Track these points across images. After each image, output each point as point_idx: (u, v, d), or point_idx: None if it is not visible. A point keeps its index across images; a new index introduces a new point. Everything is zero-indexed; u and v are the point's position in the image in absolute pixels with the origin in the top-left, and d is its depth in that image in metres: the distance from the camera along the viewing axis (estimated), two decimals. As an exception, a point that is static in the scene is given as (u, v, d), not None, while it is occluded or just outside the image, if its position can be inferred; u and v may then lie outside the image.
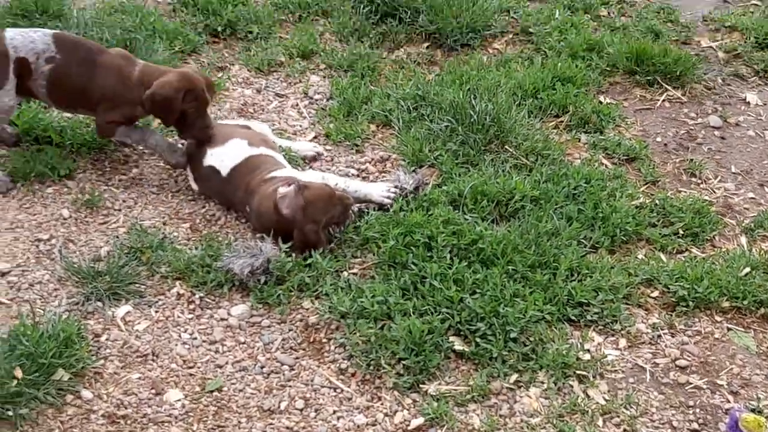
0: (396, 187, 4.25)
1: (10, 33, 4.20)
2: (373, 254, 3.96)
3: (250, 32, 5.78)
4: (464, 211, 4.19)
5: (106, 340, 3.55)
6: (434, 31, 5.88)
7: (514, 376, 3.48)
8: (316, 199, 3.92)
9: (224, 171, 4.19)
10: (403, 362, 3.47)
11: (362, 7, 5.98)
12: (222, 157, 4.21)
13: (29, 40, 4.17)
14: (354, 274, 3.90)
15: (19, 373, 3.20)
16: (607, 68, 5.62)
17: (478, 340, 3.55)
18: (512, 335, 3.56)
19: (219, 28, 5.77)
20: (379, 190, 4.24)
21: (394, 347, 3.48)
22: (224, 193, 4.23)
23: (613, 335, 3.74)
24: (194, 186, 4.35)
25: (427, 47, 5.84)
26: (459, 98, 4.87)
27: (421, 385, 3.43)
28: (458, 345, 3.56)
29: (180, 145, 4.42)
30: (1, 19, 5.50)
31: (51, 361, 3.27)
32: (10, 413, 3.15)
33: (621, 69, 5.62)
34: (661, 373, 3.60)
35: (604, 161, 4.80)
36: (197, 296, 3.79)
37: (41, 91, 4.24)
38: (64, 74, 4.19)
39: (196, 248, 3.98)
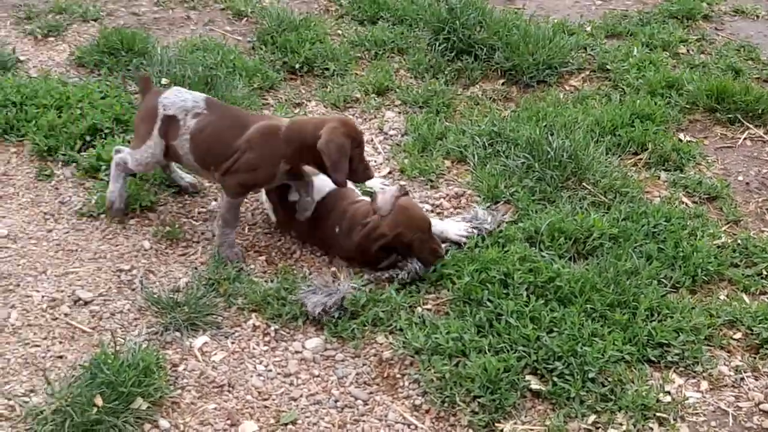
0: (474, 227, 4.23)
1: (165, 93, 4.25)
2: (448, 290, 3.94)
3: (327, 69, 5.86)
4: (541, 249, 4.15)
5: (184, 370, 3.59)
6: (510, 67, 5.88)
7: (592, 417, 3.41)
8: (408, 210, 3.96)
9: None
10: (479, 400, 3.42)
11: (438, 44, 6.02)
12: None
13: (181, 98, 4.21)
14: (428, 309, 3.88)
15: (99, 401, 3.24)
16: (687, 106, 5.54)
17: (555, 379, 3.49)
18: (590, 375, 3.49)
19: (297, 66, 5.87)
20: (456, 229, 4.23)
21: (469, 385, 3.44)
22: (310, 226, 4.25)
23: (694, 377, 3.64)
24: (272, 217, 4.39)
25: (503, 84, 5.84)
26: (535, 135, 4.85)
27: (496, 424, 3.37)
28: (535, 384, 3.50)
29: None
30: (89, 56, 5.71)
31: (130, 390, 3.30)
32: (90, 441, 3.21)
33: (701, 107, 5.54)
34: (744, 417, 3.49)
35: (685, 200, 4.71)
36: (272, 328, 3.81)
37: (184, 147, 4.18)
38: (208, 129, 4.14)
39: (272, 281, 4.02)
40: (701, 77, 5.77)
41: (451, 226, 4.24)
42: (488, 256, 3.98)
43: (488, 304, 3.78)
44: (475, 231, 4.21)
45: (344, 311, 3.82)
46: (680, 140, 5.24)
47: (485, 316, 3.72)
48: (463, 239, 4.18)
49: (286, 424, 3.38)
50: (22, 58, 5.81)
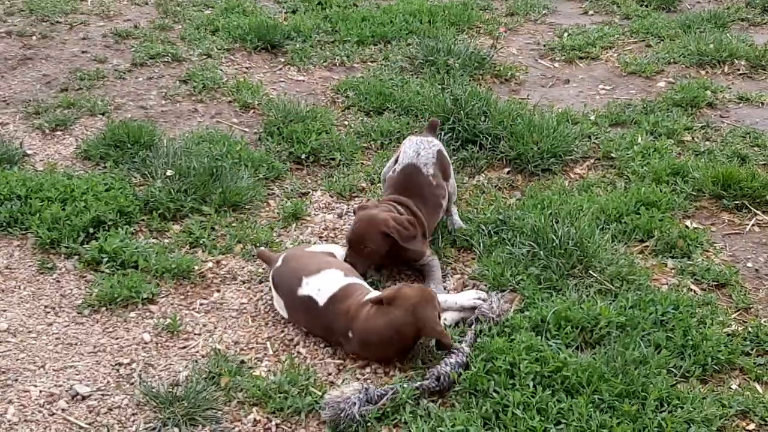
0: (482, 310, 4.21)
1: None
2: (454, 381, 3.86)
3: (333, 159, 5.90)
4: (547, 338, 4.07)
5: (181, 466, 3.50)
6: (515, 156, 5.90)
7: None
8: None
9: (321, 300, 4.17)
10: (485, 496, 3.32)
11: (443, 133, 6.05)
12: (318, 287, 4.20)
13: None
14: (433, 401, 3.79)
15: (93, 499, 3.17)
16: (693, 193, 5.52)
17: (563, 473, 3.39)
18: (600, 469, 3.39)
19: (303, 156, 5.90)
20: (466, 296, 4.36)
21: (475, 480, 3.35)
22: (320, 322, 4.18)
23: (708, 471, 3.53)
24: (284, 313, 4.33)
25: (508, 172, 5.85)
26: (541, 222, 4.83)
27: None
28: (543, 479, 3.40)
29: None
30: (95, 149, 5.76)
31: (125, 488, 3.23)
32: None
33: (707, 193, 5.51)
34: None
35: (693, 287, 4.64)
36: (273, 423, 3.72)
37: None
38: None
39: (274, 374, 3.94)
40: (707, 164, 5.77)
41: (460, 296, 4.38)
42: (494, 346, 3.91)
43: (494, 395, 3.69)
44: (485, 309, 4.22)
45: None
46: (687, 227, 5.20)
47: (491, 408, 3.64)
48: (478, 301, 4.28)
49: None
50: (29, 152, 5.87)
